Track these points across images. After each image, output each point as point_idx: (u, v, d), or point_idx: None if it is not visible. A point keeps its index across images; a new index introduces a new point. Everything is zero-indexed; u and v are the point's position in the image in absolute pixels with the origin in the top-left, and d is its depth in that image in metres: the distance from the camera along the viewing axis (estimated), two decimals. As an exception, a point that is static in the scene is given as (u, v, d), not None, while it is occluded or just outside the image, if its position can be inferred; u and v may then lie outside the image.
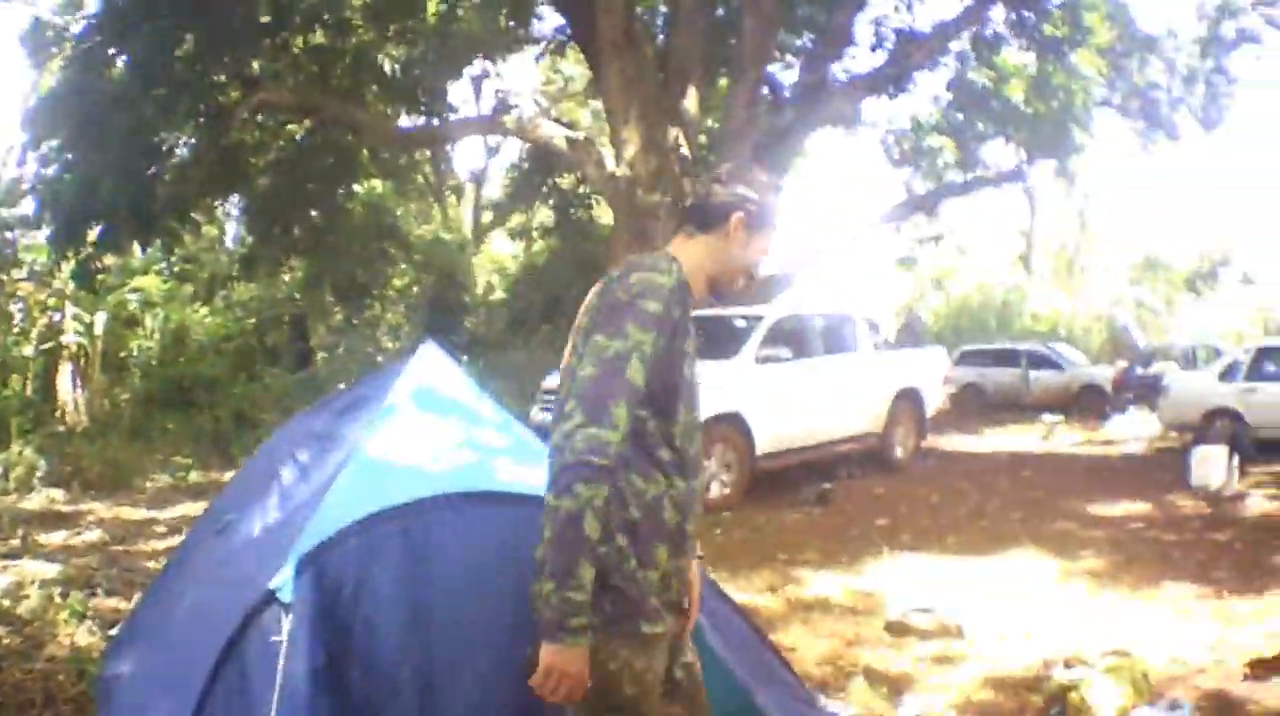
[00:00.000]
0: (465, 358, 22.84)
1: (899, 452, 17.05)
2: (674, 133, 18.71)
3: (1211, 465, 15.26)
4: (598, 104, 26.17)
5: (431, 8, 21.40)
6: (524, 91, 33.58)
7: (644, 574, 3.26)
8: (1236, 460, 15.53)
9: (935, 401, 18.41)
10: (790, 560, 10.89)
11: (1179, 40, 28.31)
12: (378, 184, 27.13)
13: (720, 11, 21.48)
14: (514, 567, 3.98)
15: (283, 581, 3.95)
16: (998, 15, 23.16)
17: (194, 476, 17.64)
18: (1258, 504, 13.93)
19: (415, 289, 29.73)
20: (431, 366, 5.43)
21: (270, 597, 3.94)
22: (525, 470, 4.66)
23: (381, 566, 4.21)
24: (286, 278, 26.67)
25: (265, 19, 18.98)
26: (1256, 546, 11.25)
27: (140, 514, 14.35)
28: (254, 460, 6.31)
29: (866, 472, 16.37)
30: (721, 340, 15.22)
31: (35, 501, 15.24)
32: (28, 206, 20.70)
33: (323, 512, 4.28)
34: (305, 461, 5.10)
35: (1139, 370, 27.39)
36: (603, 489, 3.02)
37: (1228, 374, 19.28)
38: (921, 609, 8.30)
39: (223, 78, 18.98)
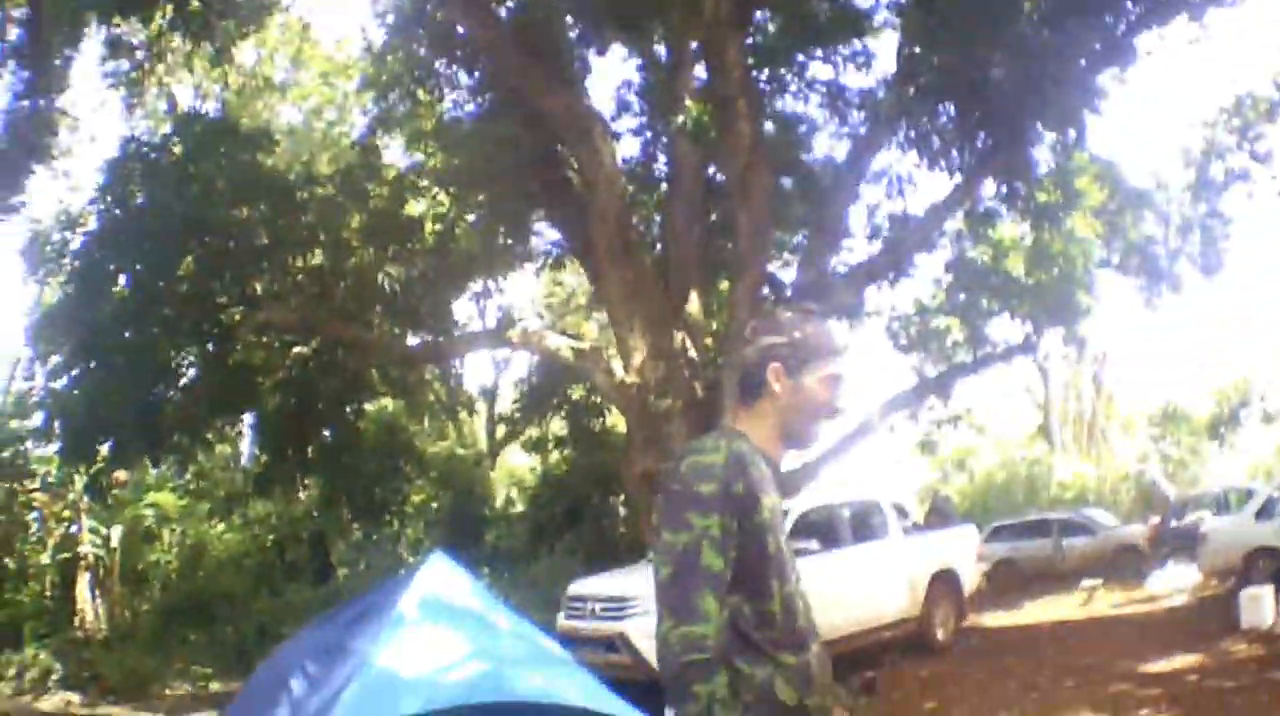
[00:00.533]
0: (488, 570, 22.57)
1: (940, 634, 16.69)
2: (679, 337, 18.72)
3: (1261, 604, 15.12)
4: (602, 315, 26.23)
5: (429, 227, 21.56)
6: (527, 305, 33.91)
7: None
8: None
9: (972, 580, 18.01)
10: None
11: (1170, 191, 28.47)
12: (389, 402, 27.06)
13: (714, 216, 21.53)
14: None
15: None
16: (988, 190, 23.21)
17: (215, 686, 17.34)
18: None
19: (434, 505, 29.52)
20: (441, 575, 5.26)
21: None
22: (543, 678, 4.44)
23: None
24: (303, 495, 26.43)
25: (262, 240, 19.14)
26: None
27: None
28: (263, 670, 6.08)
29: (909, 658, 15.99)
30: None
31: (50, 703, 14.98)
32: (38, 418, 20.59)
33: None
34: (314, 673, 4.88)
35: (1173, 522, 27.18)
36: (719, 679, 2.97)
37: (1264, 513, 19.06)
38: None
39: (224, 298, 19.09)
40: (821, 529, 15.52)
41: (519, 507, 32.37)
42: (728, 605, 3.08)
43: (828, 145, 23.81)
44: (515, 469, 36.84)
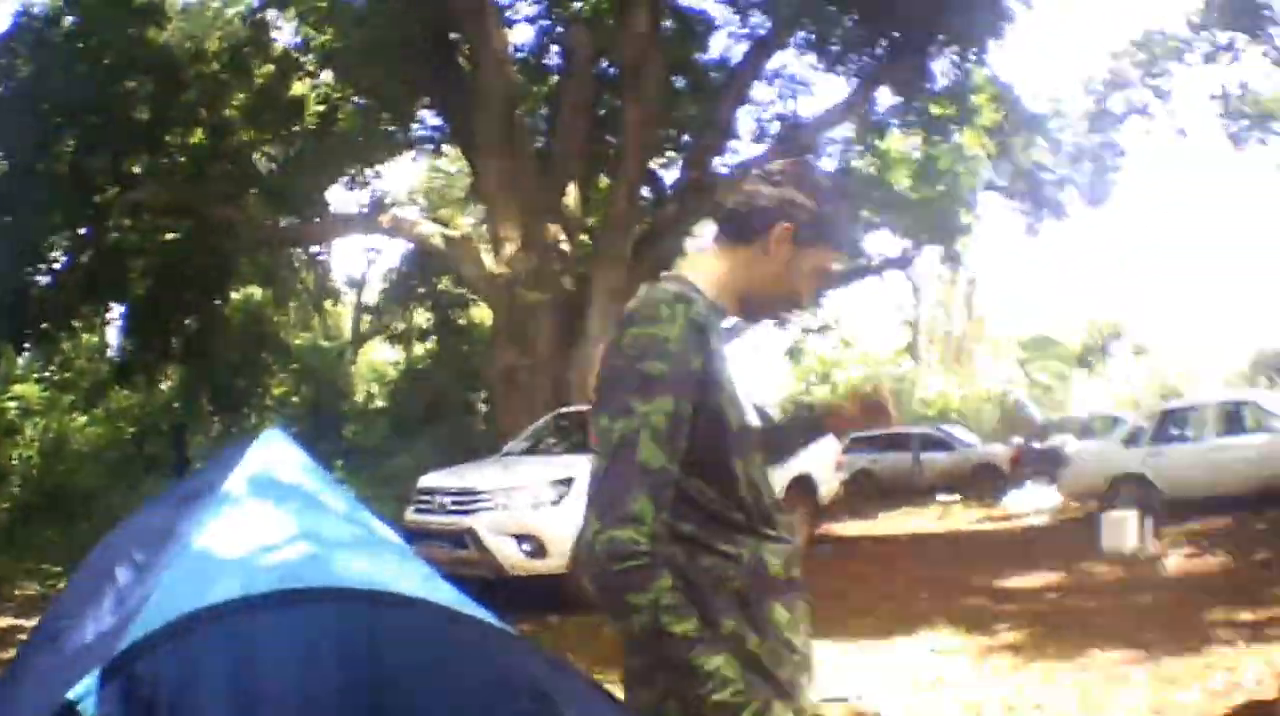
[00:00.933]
0: (344, 465, 22.17)
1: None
2: (554, 229, 18.49)
3: (1124, 529, 15.18)
4: (478, 209, 25.90)
5: (311, 108, 21.13)
6: (404, 193, 33.36)
7: (767, 646, 2.67)
8: (1150, 523, 15.40)
9: (829, 487, 17.88)
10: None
11: (1066, 119, 28.51)
12: (256, 291, 26.56)
13: (601, 111, 21.24)
14: (357, 670, 3.43)
15: (83, 691, 3.33)
16: (883, 99, 23.14)
17: (63, 585, 16.91)
18: (1176, 564, 13.88)
19: (294, 398, 29.07)
20: (273, 452, 4.91)
21: (68, 711, 3.32)
22: (370, 563, 4.13)
23: (205, 673, 3.67)
24: (165, 386, 25.95)
25: (144, 116, 18.67)
26: (1183, 605, 11.06)
27: (6, 621, 13.76)
28: (91, 561, 5.66)
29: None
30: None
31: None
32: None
33: (145, 615, 3.69)
34: (141, 560, 4.50)
35: (1036, 445, 27.33)
36: (660, 582, 2.45)
37: (1132, 440, 19.30)
38: (834, 698, 7.65)
39: (101, 178, 18.68)
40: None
41: (380, 403, 32.11)
42: (697, 494, 2.62)
43: (725, 44, 23.55)
44: (378, 363, 36.38)
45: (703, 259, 2.93)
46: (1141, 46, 29.52)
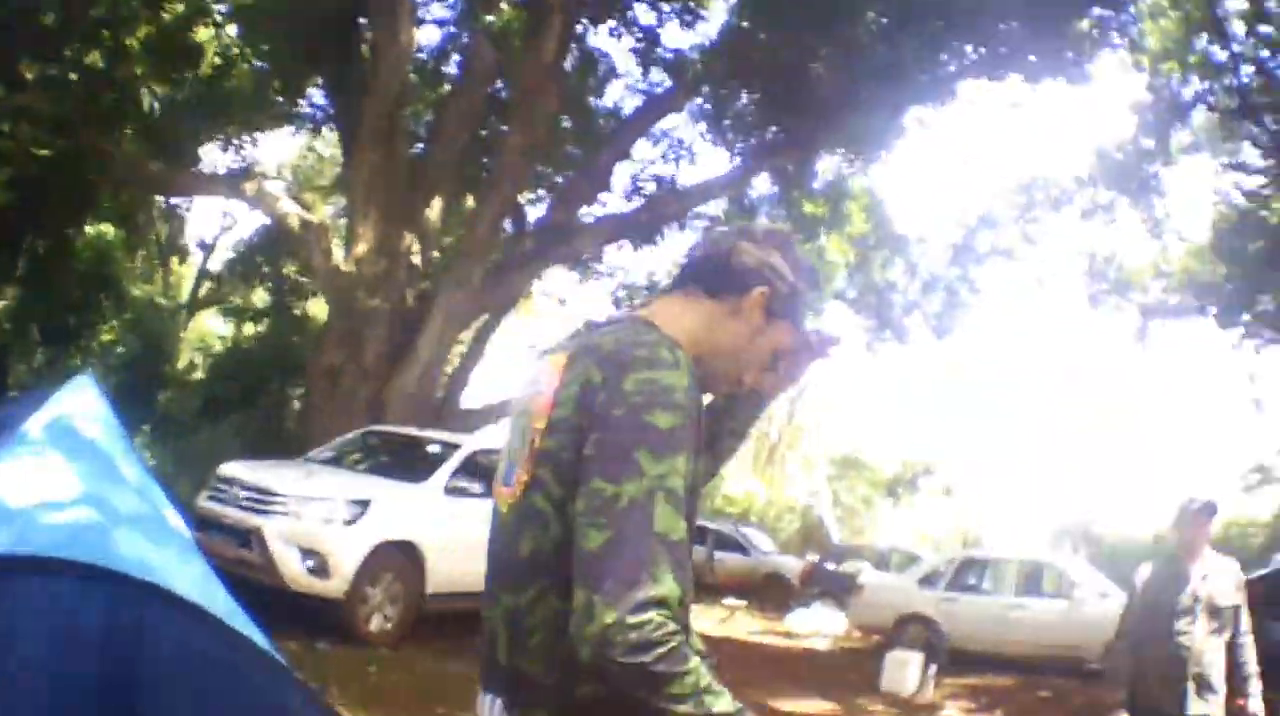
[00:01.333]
0: (150, 431, 21.42)
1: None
2: (410, 239, 18.09)
3: (906, 671, 15.22)
4: (340, 200, 25.43)
5: (209, 57, 20.82)
6: (273, 166, 32.71)
7: None
8: (933, 669, 15.30)
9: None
10: (450, 714, 9.83)
11: (928, 246, 28.75)
12: (109, 231, 25.71)
13: (484, 132, 20.89)
14: (120, 666, 3.02)
15: None
16: (761, 185, 23.13)
17: None
18: None
19: (120, 348, 28.14)
20: (79, 401, 4.45)
21: None
22: (152, 549, 3.69)
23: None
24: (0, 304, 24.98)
25: (49, 22, 18.06)
26: None
27: None
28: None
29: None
30: (413, 461, 14.45)
31: None
32: None
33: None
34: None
35: (830, 566, 27.32)
36: (692, 662, 2.18)
37: (928, 581, 19.33)
38: None
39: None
40: (488, 471, 14.70)
41: (200, 374, 31.19)
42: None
43: (620, 94, 23.39)
44: (209, 333, 35.34)
45: (671, 306, 2.62)
46: (1022, 191, 29.89)
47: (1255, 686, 6.59)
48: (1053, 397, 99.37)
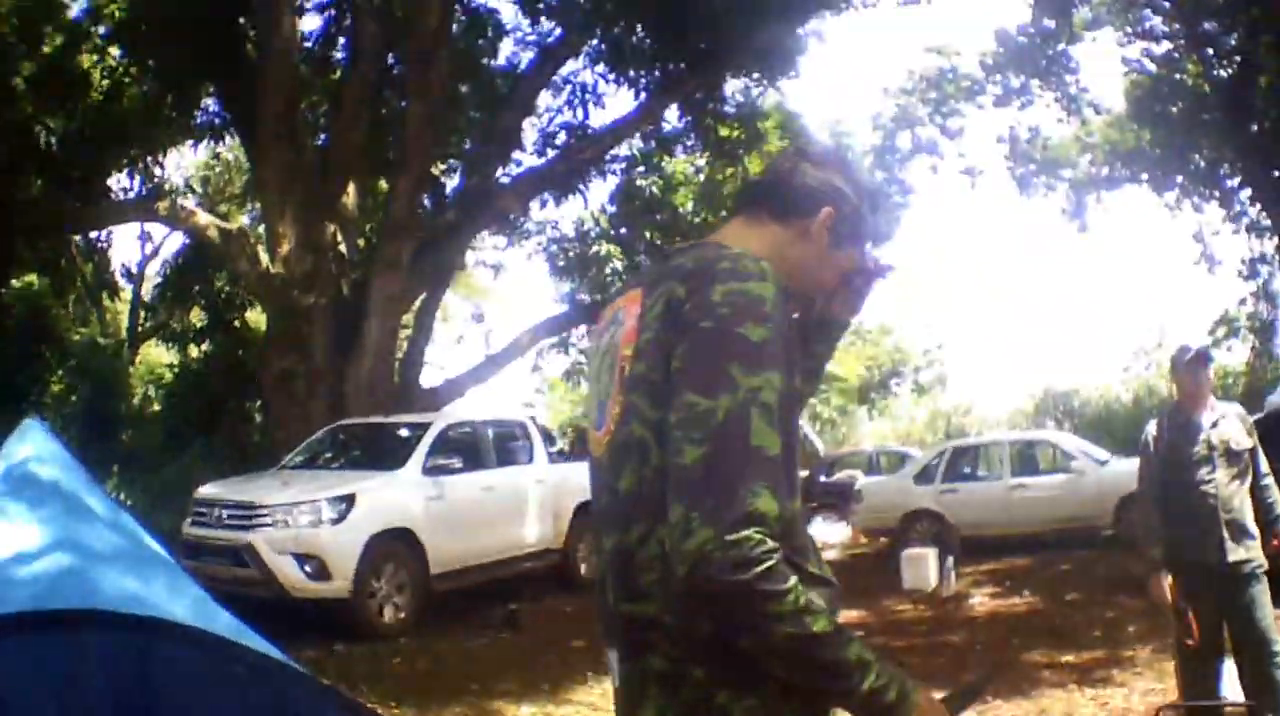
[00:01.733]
0: (119, 471, 21.01)
1: (585, 569, 15.84)
2: (332, 230, 17.92)
3: (924, 566, 15.02)
4: (259, 206, 25.07)
5: (96, 82, 20.39)
6: (181, 181, 32.24)
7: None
8: (950, 561, 15.22)
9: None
10: (485, 691, 9.57)
11: (852, 154, 28.57)
12: (34, 280, 25.30)
13: (384, 111, 20.53)
14: (128, 711, 2.73)
15: None
16: (672, 118, 22.84)
17: None
18: (982, 604, 13.63)
19: (73, 397, 27.70)
20: (30, 446, 4.14)
21: None
22: (138, 582, 3.41)
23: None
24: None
25: None
26: (1001, 646, 10.87)
27: None
28: None
29: (553, 592, 15.11)
30: (386, 449, 14.24)
31: None
32: None
33: None
34: None
35: (823, 478, 27.14)
36: (792, 581, 2.01)
37: (923, 476, 19.15)
38: None
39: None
40: (463, 446, 14.55)
41: (157, 407, 30.81)
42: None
43: (512, 50, 23.04)
44: (156, 363, 34.77)
45: (738, 231, 2.47)
46: (933, 84, 29.66)
47: None
48: (1000, 282, 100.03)
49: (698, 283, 2.16)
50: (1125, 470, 17.03)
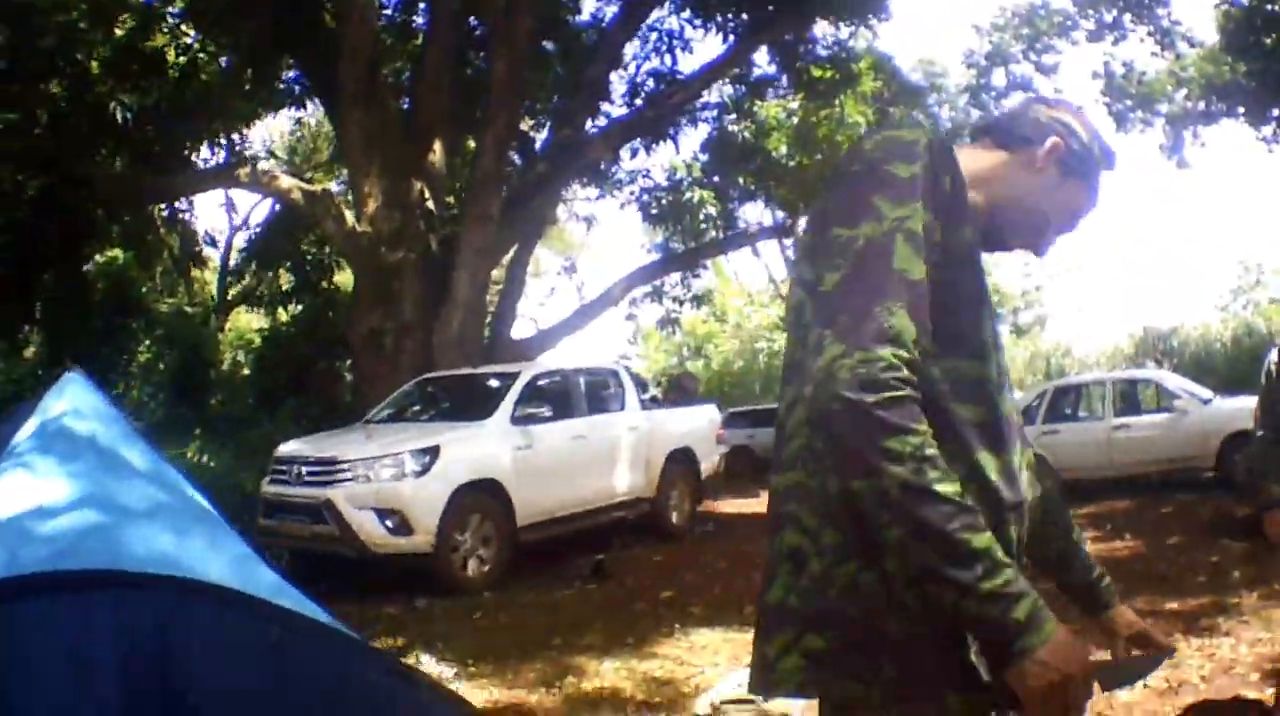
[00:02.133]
0: (210, 435, 21.07)
1: (675, 518, 15.68)
2: (419, 187, 17.79)
3: None
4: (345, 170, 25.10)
5: (171, 60, 20.21)
6: (263, 146, 32.47)
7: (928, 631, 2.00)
8: None
9: (711, 462, 17.09)
10: (567, 645, 9.35)
11: (946, 92, 28.12)
12: (119, 254, 25.44)
13: (469, 71, 20.47)
14: (146, 681, 2.55)
15: None
16: (763, 62, 22.61)
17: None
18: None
19: (161, 366, 27.90)
20: (70, 399, 4.00)
21: None
22: (173, 539, 3.23)
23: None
24: (30, 352, 24.69)
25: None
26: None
27: None
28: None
29: (642, 541, 14.97)
30: (473, 400, 14.02)
31: None
32: None
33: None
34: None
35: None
36: (922, 422, 1.89)
37: (1024, 418, 18.70)
38: (738, 700, 6.39)
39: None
40: (553, 395, 14.43)
41: (246, 371, 31.01)
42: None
43: (596, 5, 22.97)
44: (245, 328, 35.03)
45: (962, 153, 2.33)
46: (1025, 20, 29.08)
47: None
48: (1101, 224, 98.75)
49: (857, 143, 2.19)
50: (1229, 409, 16.65)
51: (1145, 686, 6.95)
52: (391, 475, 11.95)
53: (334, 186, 28.19)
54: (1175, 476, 17.53)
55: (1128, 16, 26.84)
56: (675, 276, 26.14)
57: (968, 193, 2.18)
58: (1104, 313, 78.97)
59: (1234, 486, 15.33)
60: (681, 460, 16.02)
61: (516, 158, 21.17)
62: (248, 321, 35.48)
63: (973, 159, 2.35)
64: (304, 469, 12.43)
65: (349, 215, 17.91)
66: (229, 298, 34.99)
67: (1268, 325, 34.83)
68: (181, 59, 20.27)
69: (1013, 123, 2.44)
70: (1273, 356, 5.94)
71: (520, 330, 21.71)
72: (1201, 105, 29.44)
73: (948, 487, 1.85)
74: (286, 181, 19.35)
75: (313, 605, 3.64)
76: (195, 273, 32.46)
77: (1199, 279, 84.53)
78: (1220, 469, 17.01)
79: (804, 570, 2.06)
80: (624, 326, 37.89)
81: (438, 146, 18.67)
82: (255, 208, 32.23)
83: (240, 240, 34.55)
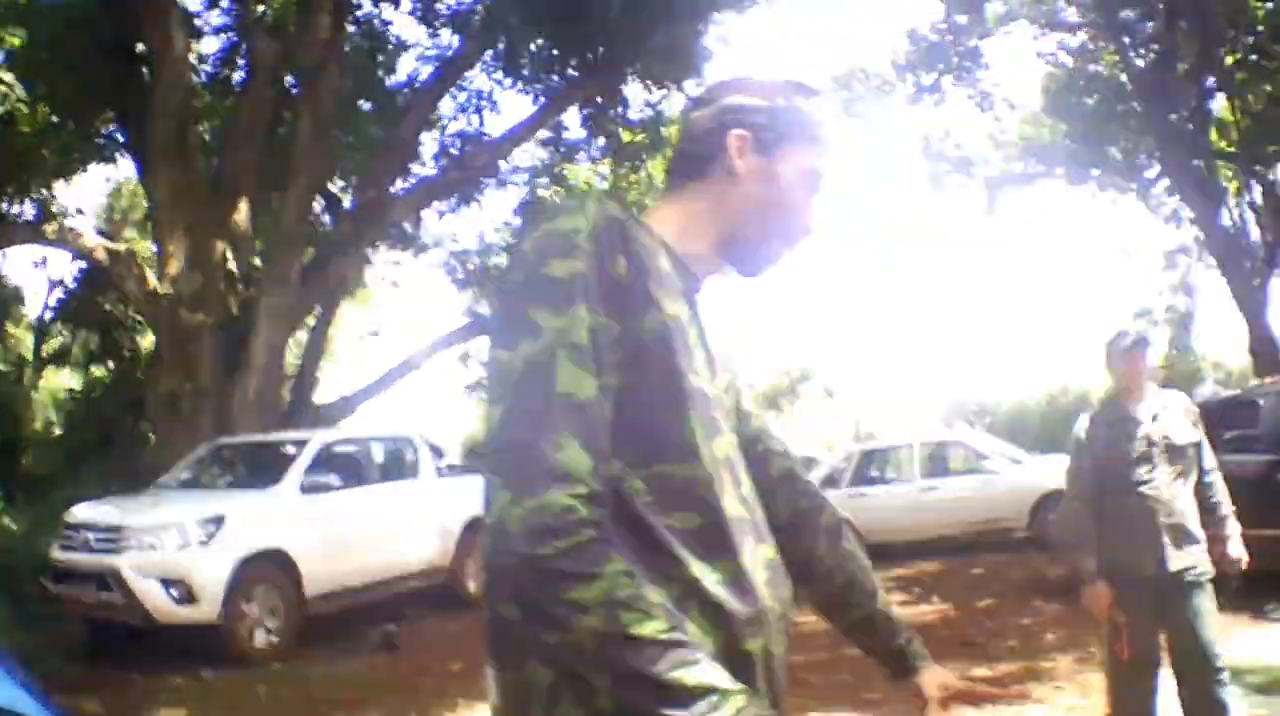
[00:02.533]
0: (23, 496, 20.63)
1: (473, 586, 15.55)
2: (221, 248, 17.61)
3: None
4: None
5: None
6: (75, 206, 32.02)
7: None
8: None
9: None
10: (347, 720, 9.21)
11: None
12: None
13: (281, 130, 20.20)
14: None
15: None
16: (575, 126, 22.78)
17: None
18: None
19: (-25, 426, 27.38)
20: None
21: None
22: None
23: None
24: None
25: None
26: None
27: None
28: None
29: (438, 610, 14.73)
30: (263, 466, 13.89)
31: None
32: None
33: None
34: None
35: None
36: (611, 567, 1.67)
37: (830, 481, 19.04)
38: None
39: None
40: (345, 463, 14.36)
41: (58, 430, 30.48)
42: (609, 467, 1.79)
43: (412, 66, 22.99)
44: (58, 387, 34.50)
45: (661, 209, 2.19)
46: (843, 84, 29.55)
47: (1233, 527, 5.98)
48: (915, 281, 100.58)
49: (516, 245, 1.99)
50: (1040, 469, 16.98)
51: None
52: (176, 544, 11.73)
53: (153, 245, 28.08)
54: (988, 538, 17.69)
55: (948, 79, 27.37)
56: (484, 340, 26.18)
57: (661, 255, 2.01)
58: (920, 375, 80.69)
59: (1048, 546, 15.58)
60: (479, 528, 15.93)
61: (328, 219, 21.10)
62: (62, 381, 34.87)
63: (678, 208, 2.16)
64: (92, 535, 12.22)
65: (150, 275, 17.72)
66: (43, 356, 34.39)
67: (1098, 381, 35.94)
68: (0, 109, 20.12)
69: (688, 148, 2.19)
70: (1082, 423, 6.07)
71: (325, 394, 21.60)
72: (1020, 166, 30.26)
73: (648, 627, 1.66)
74: (91, 239, 19.20)
75: (32, 699, 3.62)
76: (12, 330, 31.93)
77: (1017, 342, 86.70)
78: (1033, 528, 17.26)
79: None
80: (434, 391, 37.91)
81: (244, 206, 18.52)
82: (71, 264, 31.84)
83: (55, 298, 34.13)
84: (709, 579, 1.86)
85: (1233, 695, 5.82)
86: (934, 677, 2.50)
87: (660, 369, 1.89)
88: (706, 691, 1.65)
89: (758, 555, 1.99)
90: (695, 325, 2.01)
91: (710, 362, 2.04)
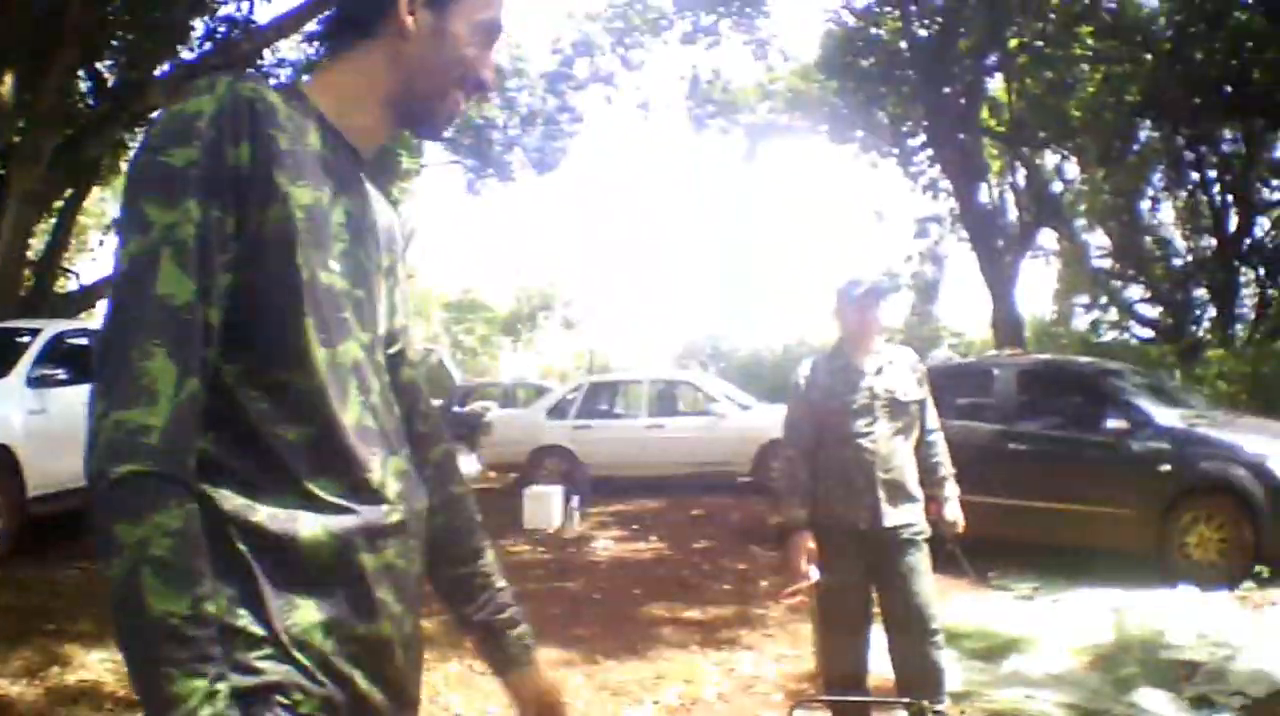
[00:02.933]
0: None
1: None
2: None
3: (547, 505, 14.94)
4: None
5: None
6: None
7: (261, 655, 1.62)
8: (576, 501, 15.18)
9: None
10: (60, 632, 8.60)
11: (526, 78, 28.08)
12: None
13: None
14: None
15: None
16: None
17: None
18: (607, 549, 13.39)
19: None
20: None
21: None
22: None
23: None
24: None
25: None
26: (622, 597, 10.45)
27: None
28: None
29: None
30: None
31: None
32: None
33: None
34: None
35: (456, 408, 26.76)
36: (168, 516, 1.50)
37: (557, 411, 18.96)
38: None
39: None
40: (79, 357, 13.08)
41: None
42: (212, 377, 1.63)
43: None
44: None
45: (320, 79, 1.97)
46: (619, 14, 29.24)
47: (951, 489, 5.89)
48: (666, 221, 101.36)
49: (149, 126, 1.78)
50: (768, 416, 17.06)
51: (655, 704, 6.82)
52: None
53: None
54: (710, 480, 17.71)
55: (726, 23, 27.18)
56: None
57: (311, 131, 1.82)
58: (662, 314, 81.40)
59: (768, 492, 15.67)
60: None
61: (94, 101, 20.16)
62: None
63: (340, 77, 1.95)
64: None
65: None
66: None
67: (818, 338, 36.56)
68: None
69: (350, 8, 1.97)
70: (804, 368, 5.84)
71: (69, 283, 20.66)
72: (785, 119, 30.33)
73: (163, 604, 1.48)
74: None
75: None
76: None
77: (760, 289, 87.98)
78: (756, 474, 17.38)
79: None
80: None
81: (9, 77, 17.24)
82: None
83: None
84: (327, 491, 1.73)
85: (947, 657, 5.76)
86: (534, 684, 2.26)
87: (278, 267, 1.73)
88: (178, 701, 1.48)
89: (389, 466, 1.86)
90: (343, 208, 1.86)
91: (362, 248, 1.90)
